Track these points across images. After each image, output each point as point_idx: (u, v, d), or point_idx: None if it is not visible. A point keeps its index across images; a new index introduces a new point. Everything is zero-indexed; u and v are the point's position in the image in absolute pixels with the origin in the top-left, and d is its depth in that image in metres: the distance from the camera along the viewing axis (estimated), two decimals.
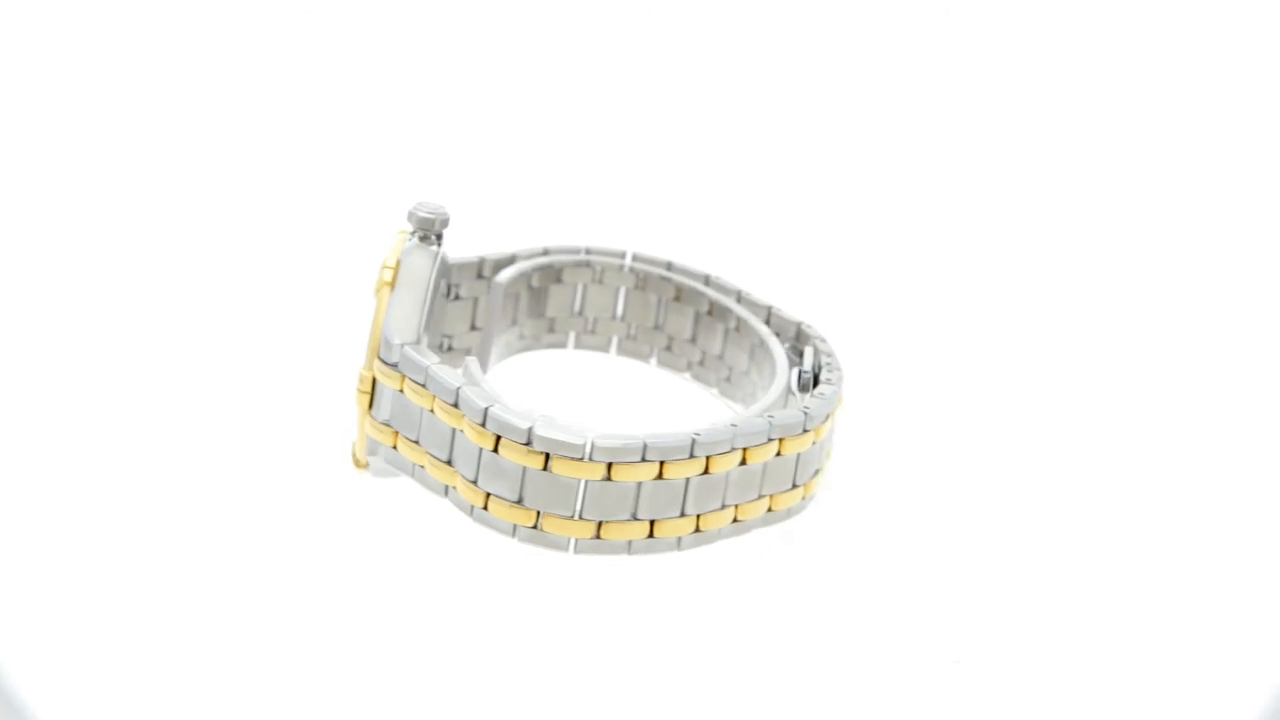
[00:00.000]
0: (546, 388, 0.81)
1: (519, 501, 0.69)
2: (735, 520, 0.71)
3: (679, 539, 0.70)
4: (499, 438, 0.68)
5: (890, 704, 0.69)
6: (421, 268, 0.74)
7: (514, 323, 0.82)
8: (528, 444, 0.68)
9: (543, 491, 0.68)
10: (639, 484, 0.68)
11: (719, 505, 0.70)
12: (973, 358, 0.93)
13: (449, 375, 0.70)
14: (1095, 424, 0.87)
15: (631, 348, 0.84)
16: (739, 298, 0.81)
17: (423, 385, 0.71)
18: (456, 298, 0.80)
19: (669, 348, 0.83)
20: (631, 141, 1.02)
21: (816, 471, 0.74)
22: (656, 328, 0.83)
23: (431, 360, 0.71)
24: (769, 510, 0.72)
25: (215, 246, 0.90)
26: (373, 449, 0.73)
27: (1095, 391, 0.90)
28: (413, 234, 0.74)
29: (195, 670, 0.67)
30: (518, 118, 1.01)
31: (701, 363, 0.83)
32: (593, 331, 0.83)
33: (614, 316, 0.83)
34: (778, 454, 0.71)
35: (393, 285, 0.73)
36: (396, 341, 0.71)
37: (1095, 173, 1.04)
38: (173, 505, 0.74)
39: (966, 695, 0.70)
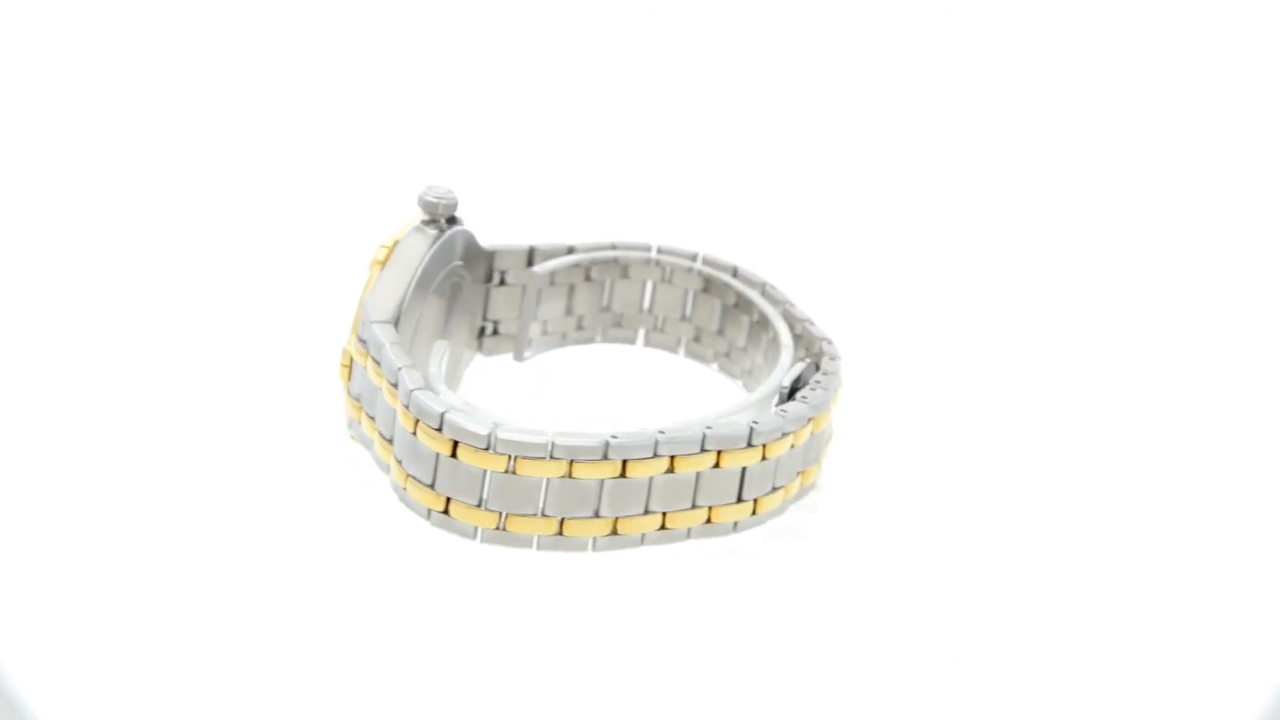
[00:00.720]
0: (588, 382, 0.84)
1: (431, 485, 0.71)
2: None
3: (593, 539, 0.71)
4: (418, 421, 0.70)
5: (890, 704, 0.69)
6: (415, 250, 0.77)
7: (568, 313, 0.84)
8: (439, 429, 0.70)
9: (450, 478, 0.71)
10: (547, 480, 0.70)
11: (641, 510, 0.71)
12: (977, 355, 0.91)
13: (397, 356, 0.73)
14: (1095, 423, 0.86)
15: (696, 349, 0.85)
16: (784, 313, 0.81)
17: (378, 364, 0.73)
18: (502, 283, 0.82)
19: (728, 354, 0.84)
20: (646, 135, 1.03)
21: (800, 474, 0.75)
22: (720, 332, 0.84)
23: (389, 340, 0.73)
24: (708, 521, 0.73)
25: (242, 236, 0.94)
26: (350, 422, 0.77)
27: (1096, 390, 0.88)
28: (423, 218, 0.78)
29: (194, 664, 0.69)
30: (526, 110, 1.03)
31: (750, 373, 0.83)
32: (660, 329, 0.85)
33: (682, 317, 0.84)
34: (715, 465, 0.72)
35: (384, 264, 0.75)
36: (371, 319, 0.74)
37: (1098, 167, 1.02)
38: (170, 492, 0.76)
39: (966, 695, 0.69)
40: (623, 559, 0.72)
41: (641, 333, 0.85)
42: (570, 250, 0.83)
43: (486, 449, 0.69)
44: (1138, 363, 0.90)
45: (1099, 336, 0.92)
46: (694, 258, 0.83)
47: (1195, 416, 0.87)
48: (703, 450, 0.70)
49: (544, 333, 0.84)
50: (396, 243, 0.77)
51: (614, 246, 0.84)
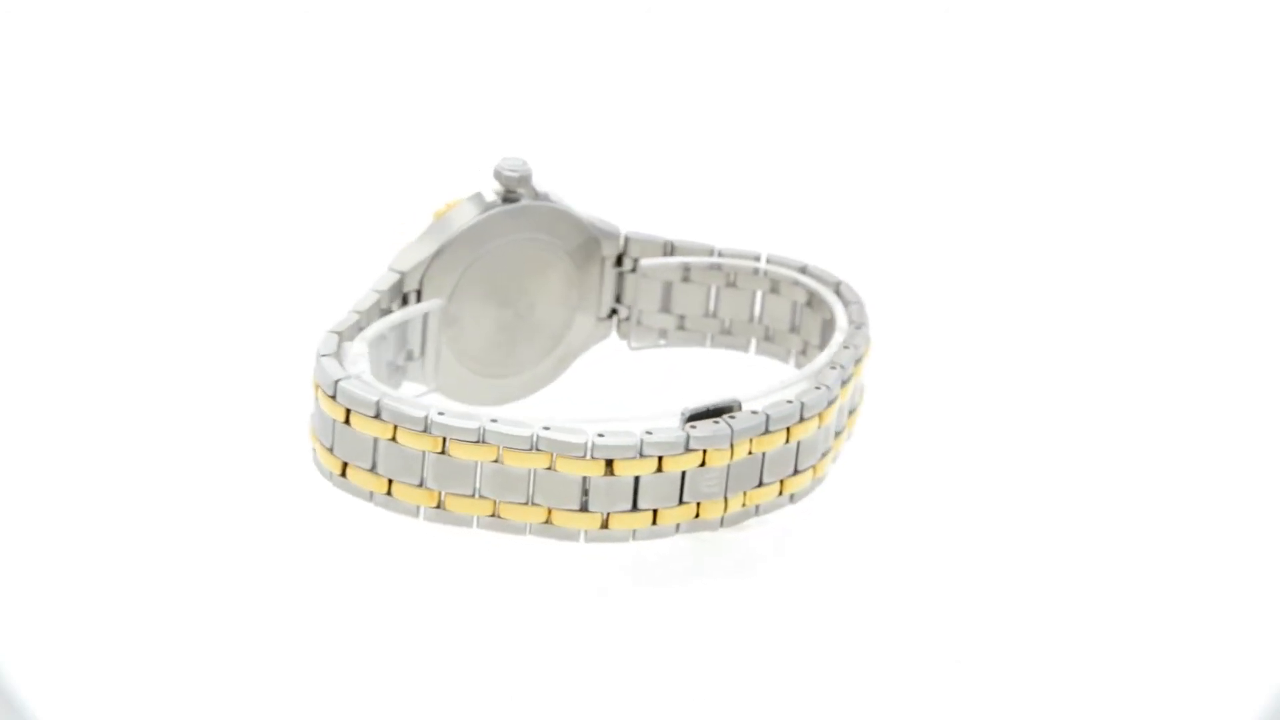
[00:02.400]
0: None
1: (330, 449, 0.73)
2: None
3: (529, 526, 0.71)
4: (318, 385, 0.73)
5: (890, 704, 0.68)
6: (460, 218, 0.79)
7: (664, 309, 0.84)
8: (332, 396, 0.72)
9: (339, 439, 0.72)
10: (423, 453, 0.70)
11: (523, 499, 0.71)
12: (985, 355, 0.88)
13: (353, 312, 0.75)
14: (1097, 423, 0.84)
15: (769, 349, 0.84)
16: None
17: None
18: (634, 270, 0.83)
19: (804, 351, 0.83)
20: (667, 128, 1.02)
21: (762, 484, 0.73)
22: (793, 330, 0.83)
23: (373, 298, 0.76)
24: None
25: (262, 236, 0.94)
26: None
27: (1099, 389, 0.86)
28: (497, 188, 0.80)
29: (194, 664, 0.68)
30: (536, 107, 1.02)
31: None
32: (770, 339, 0.84)
33: (751, 319, 0.84)
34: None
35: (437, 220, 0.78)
36: (394, 269, 0.77)
37: (1117, 161, 1.00)
38: (158, 487, 0.76)
39: (966, 695, 0.69)
40: (616, 555, 0.72)
41: (754, 342, 0.84)
42: (669, 248, 0.83)
43: (375, 416, 0.70)
44: (1142, 365, 0.88)
45: (1105, 337, 0.90)
46: (803, 269, 0.82)
47: (1196, 416, 0.85)
48: (641, 456, 0.70)
49: (638, 323, 0.84)
50: (450, 206, 0.79)
51: (714, 252, 0.84)
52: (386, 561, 0.73)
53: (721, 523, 0.72)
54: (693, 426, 0.70)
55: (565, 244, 0.81)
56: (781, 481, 0.73)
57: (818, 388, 0.73)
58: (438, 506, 0.70)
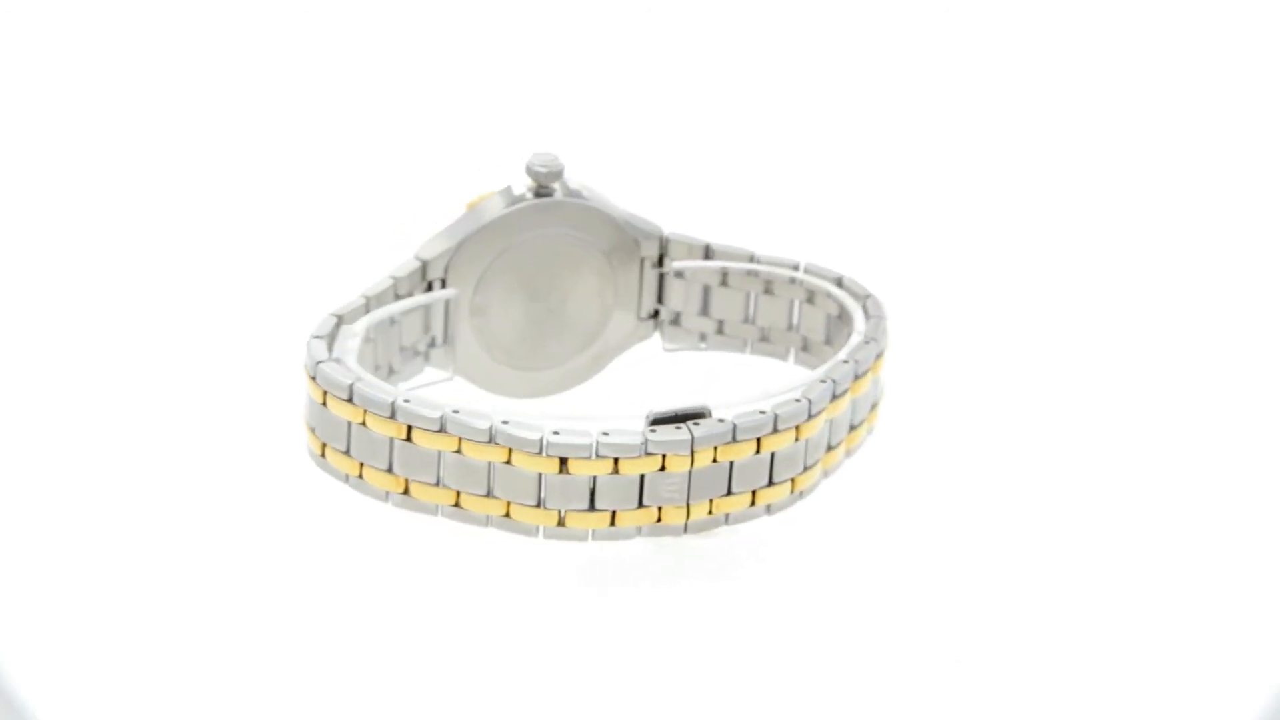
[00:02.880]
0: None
1: (313, 430, 0.73)
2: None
3: (489, 518, 0.71)
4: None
5: (890, 704, 0.68)
6: (489, 209, 0.79)
7: (703, 313, 0.84)
8: (314, 379, 0.73)
9: (319, 420, 0.73)
10: (389, 439, 0.71)
11: (483, 491, 0.71)
12: (978, 358, 0.87)
13: (361, 296, 0.77)
14: (1099, 424, 0.83)
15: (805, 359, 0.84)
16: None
17: None
18: (679, 275, 0.83)
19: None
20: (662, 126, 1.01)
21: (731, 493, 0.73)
22: (827, 342, 0.82)
23: (386, 284, 0.77)
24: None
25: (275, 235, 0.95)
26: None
27: (1103, 390, 0.86)
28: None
29: (195, 664, 0.69)
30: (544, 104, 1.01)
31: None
32: (807, 350, 0.84)
33: (789, 328, 0.83)
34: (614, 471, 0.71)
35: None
36: (418, 257, 0.79)
37: (1136, 164, 0.99)
38: (156, 483, 0.77)
39: (966, 695, 0.69)
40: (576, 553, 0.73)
41: (792, 351, 0.84)
42: (708, 251, 0.84)
43: (348, 400, 0.71)
44: (1142, 368, 0.87)
45: (1106, 339, 0.90)
46: (838, 281, 0.81)
47: (1197, 415, 0.84)
48: (596, 456, 0.70)
49: (678, 325, 0.85)
50: (481, 198, 0.80)
51: (753, 258, 0.83)
52: (364, 544, 0.74)
53: (685, 529, 0.71)
54: (653, 430, 0.70)
55: (599, 242, 0.82)
56: (754, 492, 0.72)
57: (798, 400, 0.72)
58: (404, 493, 0.71)
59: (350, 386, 0.71)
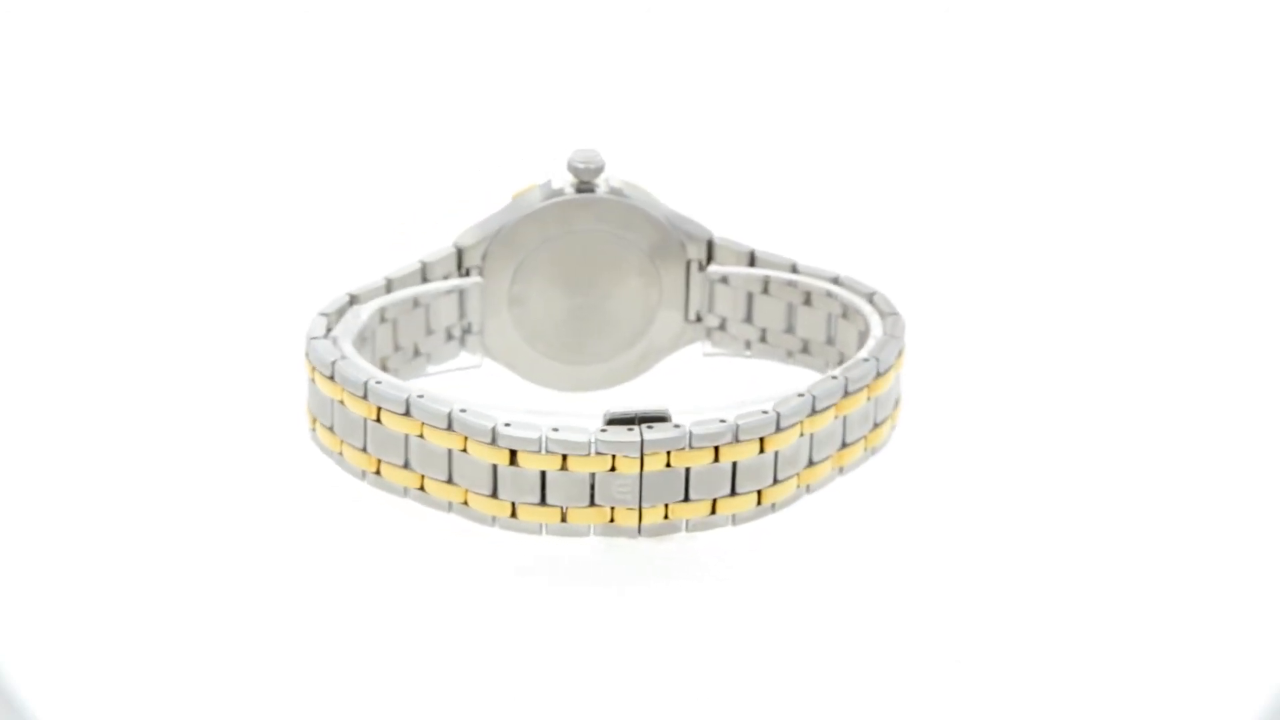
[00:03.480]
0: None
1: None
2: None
3: (450, 504, 0.72)
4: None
5: (890, 704, 0.68)
6: (527, 202, 0.80)
7: (748, 319, 0.84)
8: (305, 355, 0.74)
9: (312, 396, 0.74)
10: (364, 419, 0.72)
11: (444, 477, 0.72)
12: (980, 360, 0.85)
13: (383, 277, 0.79)
14: (1102, 424, 0.82)
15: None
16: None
17: None
18: (724, 280, 0.83)
19: None
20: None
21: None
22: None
23: (413, 267, 0.79)
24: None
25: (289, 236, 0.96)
26: None
27: (1103, 390, 0.85)
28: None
29: (199, 665, 0.69)
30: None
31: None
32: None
33: (828, 341, 0.82)
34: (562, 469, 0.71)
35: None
36: (455, 244, 0.80)
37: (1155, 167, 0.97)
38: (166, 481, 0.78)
39: (967, 695, 0.68)
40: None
41: (828, 366, 0.81)
42: (751, 258, 0.83)
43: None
44: (1150, 369, 0.86)
45: (1112, 338, 0.88)
46: (870, 296, 0.80)
47: (1198, 415, 0.83)
48: (545, 451, 0.70)
49: (723, 330, 0.84)
50: (527, 189, 0.81)
51: (795, 268, 0.82)
52: (337, 523, 0.75)
53: (640, 532, 0.71)
54: (604, 430, 0.69)
55: (640, 241, 0.82)
56: (715, 500, 0.71)
57: (764, 412, 0.70)
58: (376, 473, 0.72)
59: (332, 364, 0.73)
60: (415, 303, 0.80)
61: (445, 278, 0.80)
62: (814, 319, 0.81)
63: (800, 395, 0.71)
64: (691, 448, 0.70)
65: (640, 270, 0.82)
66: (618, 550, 0.72)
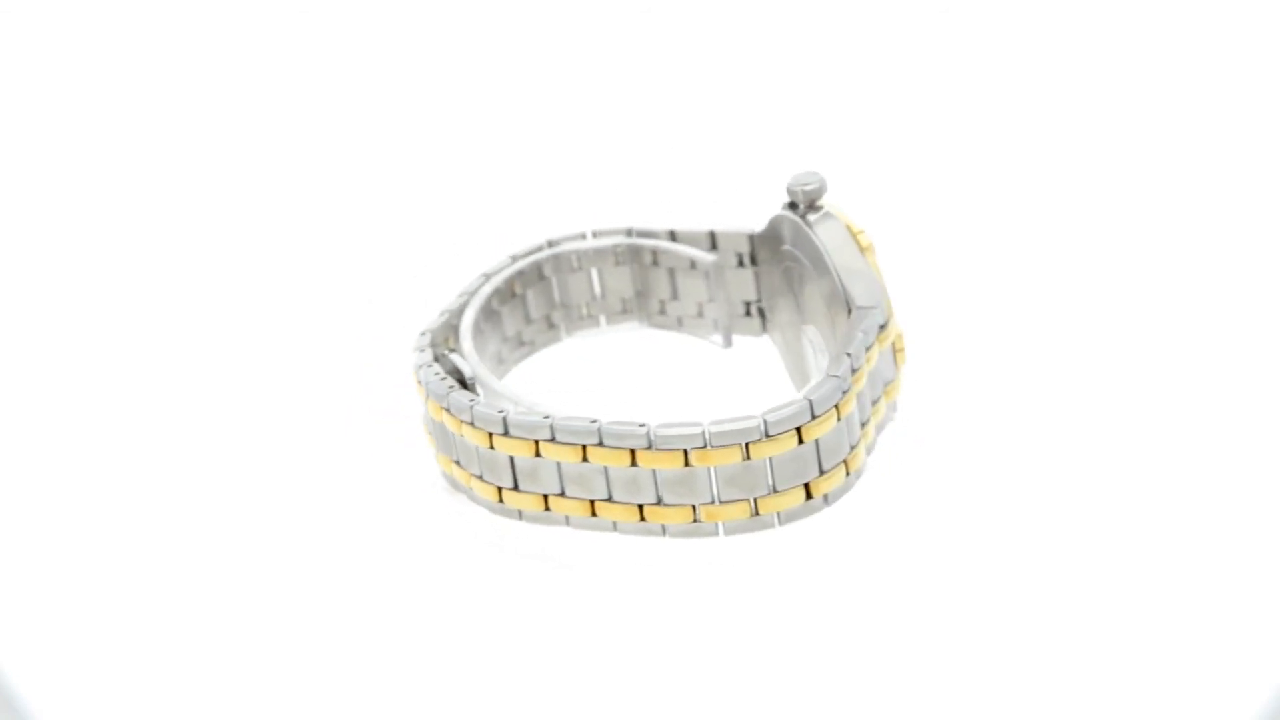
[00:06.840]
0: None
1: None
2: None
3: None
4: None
5: (891, 704, 0.68)
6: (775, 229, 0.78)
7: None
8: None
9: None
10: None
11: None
12: (981, 361, 0.83)
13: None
14: (1104, 424, 0.80)
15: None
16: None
17: None
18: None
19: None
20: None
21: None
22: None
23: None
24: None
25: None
26: None
27: (1102, 390, 0.82)
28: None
29: (204, 667, 0.69)
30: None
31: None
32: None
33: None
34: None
35: None
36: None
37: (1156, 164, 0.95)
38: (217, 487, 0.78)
39: (967, 695, 0.68)
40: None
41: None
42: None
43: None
44: (1151, 369, 0.83)
45: (1113, 339, 0.85)
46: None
47: (1199, 415, 0.80)
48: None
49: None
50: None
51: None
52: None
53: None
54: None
55: (821, 287, 0.77)
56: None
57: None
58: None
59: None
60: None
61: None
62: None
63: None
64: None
65: (824, 316, 0.78)
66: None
